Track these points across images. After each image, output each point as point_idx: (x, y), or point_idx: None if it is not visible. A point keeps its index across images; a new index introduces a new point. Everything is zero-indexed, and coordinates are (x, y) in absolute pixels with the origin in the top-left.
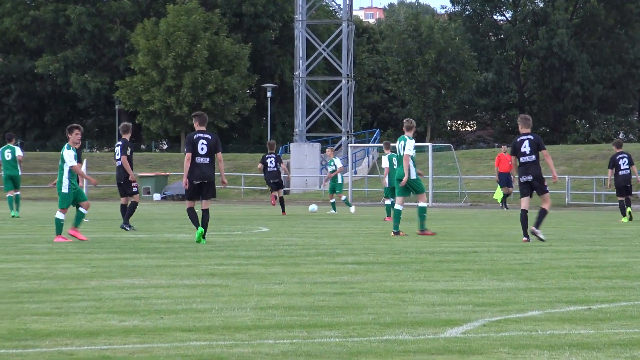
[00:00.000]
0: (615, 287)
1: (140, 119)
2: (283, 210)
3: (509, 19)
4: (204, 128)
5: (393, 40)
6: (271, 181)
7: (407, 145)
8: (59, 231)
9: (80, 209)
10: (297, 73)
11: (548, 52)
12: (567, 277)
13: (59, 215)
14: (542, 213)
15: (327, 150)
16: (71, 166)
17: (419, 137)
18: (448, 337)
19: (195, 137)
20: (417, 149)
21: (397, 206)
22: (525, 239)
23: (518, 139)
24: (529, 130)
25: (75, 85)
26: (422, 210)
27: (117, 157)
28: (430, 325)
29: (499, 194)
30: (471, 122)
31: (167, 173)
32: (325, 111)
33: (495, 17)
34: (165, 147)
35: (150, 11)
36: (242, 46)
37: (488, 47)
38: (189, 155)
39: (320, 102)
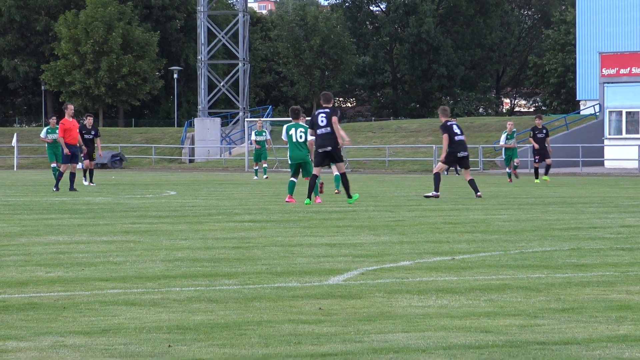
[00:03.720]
0: (475, 240)
1: (64, 97)
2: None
3: (384, 9)
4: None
5: (283, 28)
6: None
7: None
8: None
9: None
10: (199, 57)
11: (417, 38)
12: (434, 232)
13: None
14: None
15: (258, 121)
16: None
17: (306, 113)
18: (331, 284)
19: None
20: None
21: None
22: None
23: (449, 124)
24: (448, 118)
25: (6, 68)
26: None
27: None
28: (315, 274)
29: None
30: (351, 99)
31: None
32: (225, 90)
33: (371, 8)
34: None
35: (71, 4)
36: (151, 34)
37: (365, 34)
38: None
39: (220, 83)
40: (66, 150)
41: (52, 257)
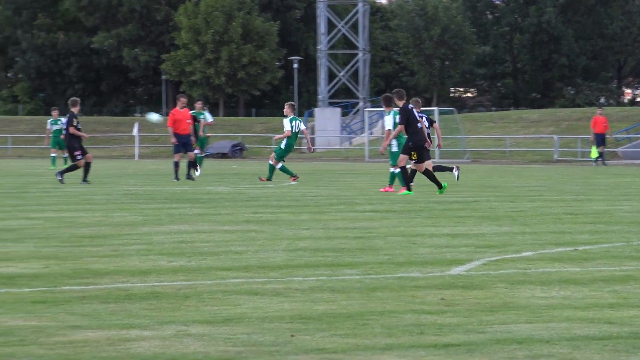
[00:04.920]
0: (598, 231)
1: (184, 87)
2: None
3: None
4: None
5: (403, 18)
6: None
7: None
8: (391, 182)
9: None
10: (319, 47)
11: (538, 28)
12: (556, 223)
13: (393, 169)
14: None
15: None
16: (388, 129)
17: (426, 102)
18: (453, 274)
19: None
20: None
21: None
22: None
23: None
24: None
25: (127, 58)
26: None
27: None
28: (437, 265)
29: (594, 152)
30: (471, 89)
31: (208, 134)
32: (345, 80)
33: None
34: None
35: None
36: (271, 24)
37: (485, 23)
38: None
39: (339, 72)
40: (173, 140)
41: (174, 246)
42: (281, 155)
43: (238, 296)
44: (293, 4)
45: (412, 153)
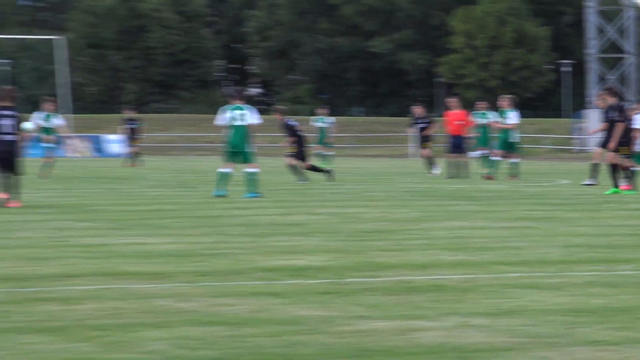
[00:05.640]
0: None
1: (459, 89)
2: None
3: None
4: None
5: None
6: None
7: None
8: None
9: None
10: (588, 51)
11: None
12: None
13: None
14: None
15: None
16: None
17: None
18: None
19: None
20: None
21: None
22: None
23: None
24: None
25: (404, 62)
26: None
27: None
28: None
29: None
30: None
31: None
32: (613, 83)
33: None
34: None
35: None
36: (543, 29)
37: None
38: None
39: (609, 76)
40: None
41: (454, 241)
42: (512, 146)
43: (517, 290)
44: (564, 10)
45: (621, 149)
